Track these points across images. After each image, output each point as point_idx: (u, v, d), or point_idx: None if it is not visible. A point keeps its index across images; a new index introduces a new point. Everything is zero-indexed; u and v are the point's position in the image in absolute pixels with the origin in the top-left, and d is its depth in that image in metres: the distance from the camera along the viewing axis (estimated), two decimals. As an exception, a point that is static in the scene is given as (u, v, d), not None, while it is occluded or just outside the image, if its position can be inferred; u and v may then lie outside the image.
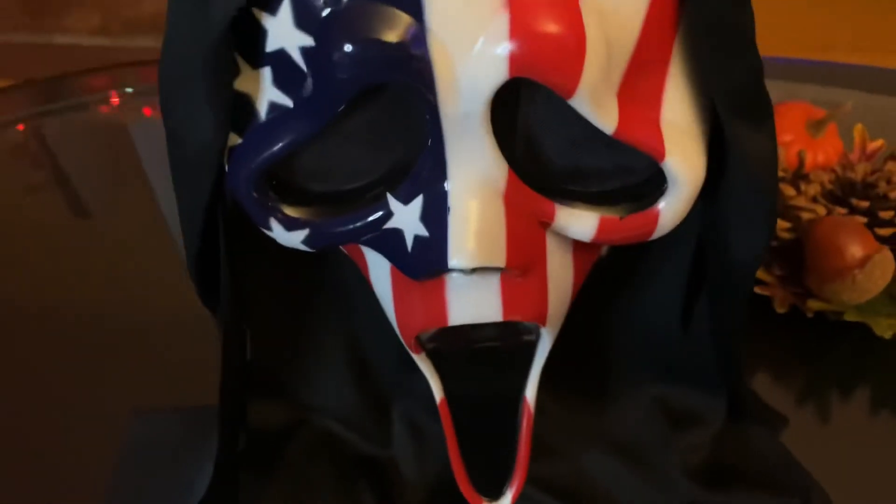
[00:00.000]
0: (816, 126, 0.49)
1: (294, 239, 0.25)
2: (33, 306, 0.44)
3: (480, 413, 0.33)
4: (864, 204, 0.44)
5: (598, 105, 0.21)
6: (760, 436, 0.38)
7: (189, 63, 0.22)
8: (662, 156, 0.23)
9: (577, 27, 0.19)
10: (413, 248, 0.24)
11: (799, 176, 0.45)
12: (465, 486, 0.33)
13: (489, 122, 0.22)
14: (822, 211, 0.44)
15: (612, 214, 0.25)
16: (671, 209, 0.25)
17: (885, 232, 0.43)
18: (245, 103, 0.23)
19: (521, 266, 0.24)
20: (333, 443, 0.39)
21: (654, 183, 0.24)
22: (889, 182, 0.45)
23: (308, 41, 0.21)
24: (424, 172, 0.23)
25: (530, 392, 0.31)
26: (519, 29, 0.19)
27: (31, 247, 0.49)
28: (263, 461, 0.38)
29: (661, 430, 0.38)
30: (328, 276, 0.35)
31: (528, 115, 0.23)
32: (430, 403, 0.37)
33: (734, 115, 0.23)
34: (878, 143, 0.51)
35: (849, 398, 0.42)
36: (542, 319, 0.27)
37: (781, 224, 0.44)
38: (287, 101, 0.23)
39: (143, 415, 0.42)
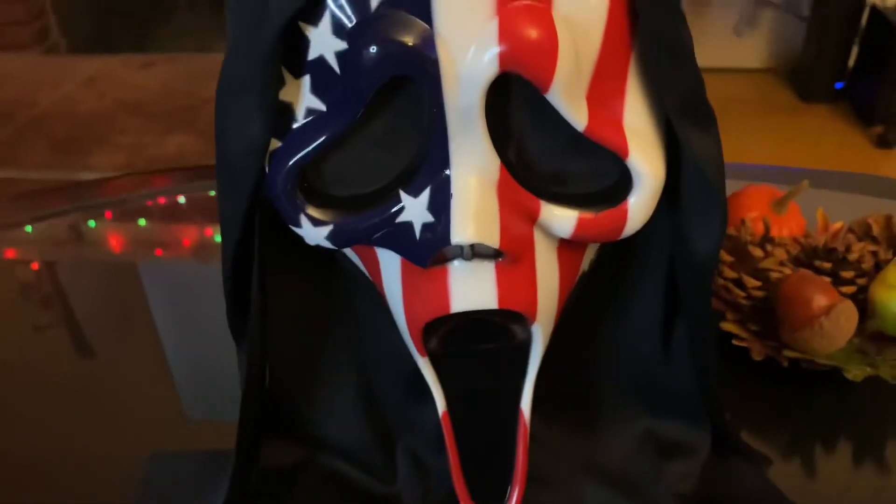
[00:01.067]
0: (780, 204, 0.54)
1: (319, 235, 0.30)
2: (32, 448, 0.44)
3: (479, 425, 0.36)
4: (827, 265, 0.49)
5: (570, 102, 0.26)
6: (746, 470, 0.41)
7: (244, 76, 0.27)
8: (626, 153, 0.28)
9: (551, 33, 0.25)
10: (421, 235, 0.28)
11: (766, 240, 0.50)
12: (465, 501, 0.35)
13: (484, 116, 0.26)
14: (788, 272, 0.48)
15: (589, 213, 0.29)
16: (638, 203, 0.29)
17: (847, 290, 0.47)
18: (286, 111, 0.28)
19: (512, 250, 0.28)
20: (340, 480, 0.41)
21: (623, 184, 0.29)
22: (848, 249, 0.50)
23: (342, 45, 0.26)
24: (431, 164, 0.27)
25: (525, 404, 0.34)
26: (506, 33, 0.25)
27: (32, 387, 0.49)
28: (274, 499, 0.40)
29: (651, 460, 0.40)
30: (342, 306, 0.38)
31: (517, 124, 0.28)
32: (434, 440, 0.40)
33: (683, 119, 0.28)
34: (839, 224, 0.56)
35: (823, 438, 0.45)
36: (533, 311, 0.30)
37: (753, 283, 0.48)
38: (321, 106, 0.28)
39: (160, 458, 0.44)
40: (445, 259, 0.29)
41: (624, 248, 0.36)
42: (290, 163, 0.28)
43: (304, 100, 0.28)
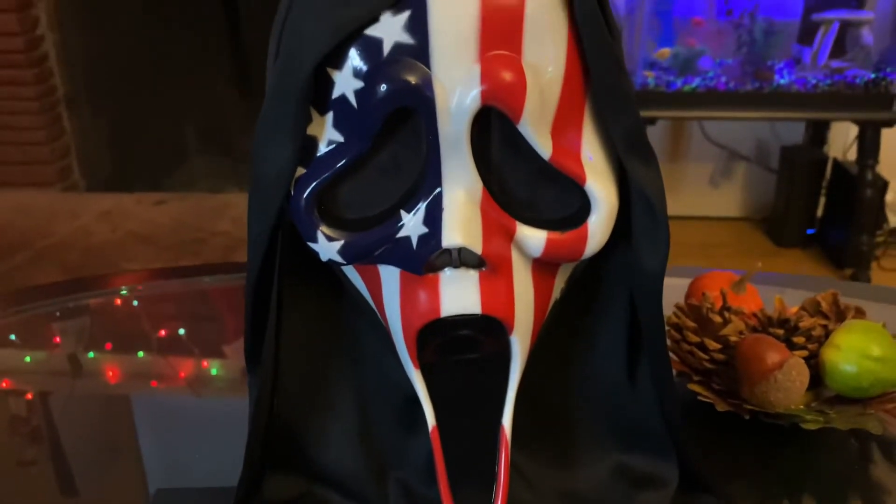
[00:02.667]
0: (738, 285, 0.60)
1: (332, 249, 0.35)
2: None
3: (465, 439, 0.40)
4: (780, 332, 0.54)
5: (537, 133, 0.33)
6: (714, 501, 0.44)
7: (279, 114, 0.34)
8: (584, 180, 0.34)
9: (520, 75, 0.32)
10: (417, 245, 0.34)
11: (725, 308, 0.55)
12: None
13: (470, 142, 0.33)
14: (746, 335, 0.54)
15: (556, 234, 0.35)
16: (596, 224, 0.35)
17: (800, 354, 0.53)
18: (311, 143, 0.35)
19: (492, 259, 0.34)
20: (335, 513, 0.44)
21: (584, 209, 0.35)
22: (800, 319, 0.55)
23: (360, 84, 0.33)
24: (426, 184, 0.34)
25: (506, 420, 0.38)
26: (486, 75, 0.32)
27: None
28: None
29: (624, 489, 0.44)
30: (346, 333, 0.43)
31: (496, 154, 0.34)
32: (424, 472, 0.43)
33: (628, 153, 0.35)
34: (794, 308, 0.62)
35: (784, 485, 0.49)
36: (511, 320, 0.35)
37: (714, 346, 0.53)
38: (340, 137, 0.34)
39: (165, 493, 0.47)
40: (437, 268, 0.35)
41: (590, 284, 0.42)
42: (311, 186, 0.35)
43: (327, 133, 0.35)
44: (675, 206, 2.19)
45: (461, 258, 0.34)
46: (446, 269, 0.35)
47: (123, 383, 0.64)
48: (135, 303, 0.77)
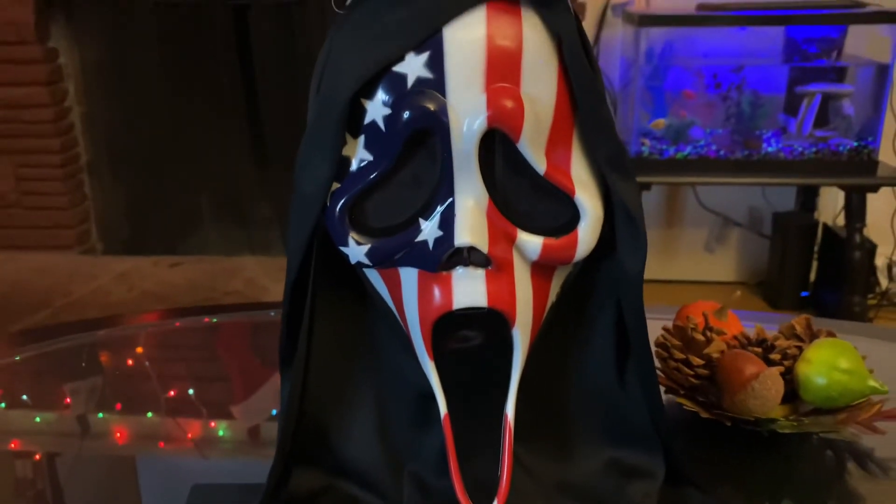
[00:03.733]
0: (720, 312, 0.66)
1: (360, 252, 0.42)
2: None
3: (473, 425, 0.45)
4: (758, 350, 0.60)
5: (534, 151, 0.39)
6: (697, 496, 0.49)
7: (320, 138, 0.41)
8: (573, 193, 0.41)
9: (519, 103, 0.39)
10: (433, 247, 0.40)
11: (708, 328, 0.61)
12: (461, 495, 0.43)
13: (478, 159, 0.39)
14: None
15: (551, 239, 0.42)
16: (585, 231, 0.41)
17: (776, 369, 0.58)
18: (345, 162, 0.41)
19: (497, 258, 0.40)
20: (356, 502, 0.49)
21: (574, 219, 0.42)
22: (776, 339, 0.61)
23: (388, 111, 0.40)
24: (441, 195, 0.40)
25: (510, 408, 0.44)
26: (491, 103, 0.39)
27: None
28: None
29: (615, 481, 0.49)
30: (368, 338, 0.49)
31: (500, 171, 0.41)
32: (436, 465, 0.48)
33: (610, 170, 0.41)
34: (772, 333, 0.67)
35: (764, 487, 0.53)
36: (513, 314, 0.41)
37: (698, 361, 0.59)
38: (369, 157, 0.41)
39: (201, 488, 0.52)
40: (449, 267, 0.41)
41: (582, 295, 0.48)
42: (344, 199, 0.41)
43: (359, 153, 0.41)
44: (672, 270, 2.25)
45: (470, 257, 0.41)
46: (458, 268, 0.41)
47: (131, 444, 0.64)
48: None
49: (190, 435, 0.66)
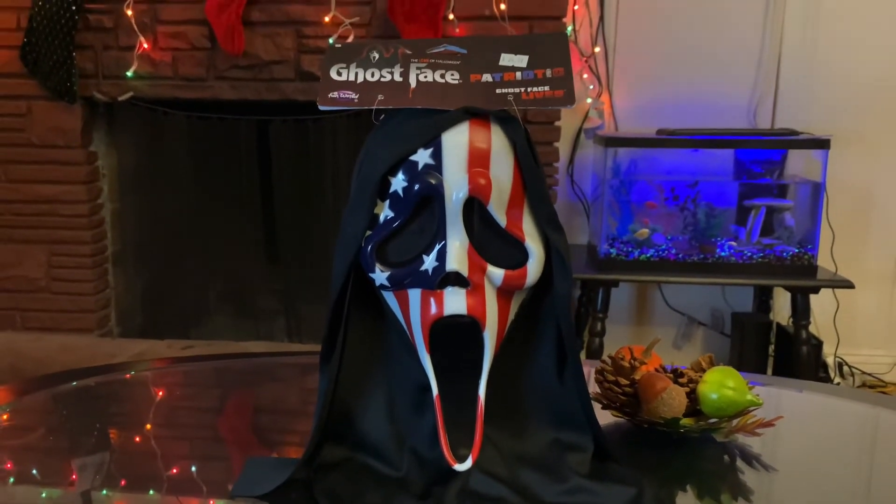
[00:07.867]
0: (646, 351, 0.86)
1: (382, 277, 0.62)
2: None
3: (456, 404, 0.64)
4: (670, 376, 0.80)
5: (498, 212, 0.61)
6: (615, 466, 0.68)
7: (359, 202, 0.62)
8: (524, 240, 0.62)
9: (488, 181, 0.60)
10: (432, 273, 0.61)
11: (633, 359, 0.82)
12: (447, 453, 0.62)
13: (462, 218, 0.60)
14: (646, 378, 0.79)
15: (509, 271, 0.63)
16: (532, 267, 0.62)
17: (683, 389, 0.78)
18: (374, 218, 0.62)
19: (474, 281, 0.61)
20: (369, 469, 0.68)
21: (524, 258, 0.63)
22: (687, 371, 0.81)
23: (405, 184, 0.61)
24: (437, 239, 0.61)
25: (481, 391, 0.64)
26: (471, 181, 0.60)
27: None
28: (325, 479, 0.66)
29: (558, 453, 0.67)
30: (383, 342, 0.68)
31: (476, 225, 0.61)
32: (429, 440, 0.68)
33: (548, 226, 0.62)
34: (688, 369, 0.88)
35: (673, 475, 0.72)
36: (484, 321, 0.61)
37: (624, 381, 0.79)
38: (391, 214, 0.62)
39: (254, 459, 0.71)
40: (442, 287, 0.62)
41: (531, 319, 0.69)
42: (374, 242, 0.63)
43: (385, 212, 0.63)
44: (643, 365, 2.44)
45: (456, 280, 0.62)
46: (448, 287, 0.62)
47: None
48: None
49: None
